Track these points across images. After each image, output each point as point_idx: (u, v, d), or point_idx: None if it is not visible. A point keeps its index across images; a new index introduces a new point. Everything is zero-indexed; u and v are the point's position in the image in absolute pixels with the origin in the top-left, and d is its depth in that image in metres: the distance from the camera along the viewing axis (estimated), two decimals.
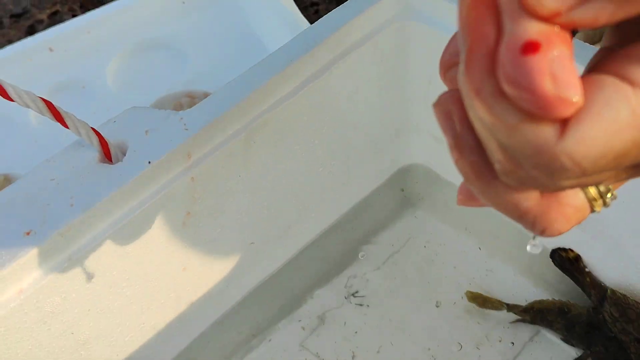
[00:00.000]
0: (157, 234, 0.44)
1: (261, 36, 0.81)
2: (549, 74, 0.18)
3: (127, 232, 0.42)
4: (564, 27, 0.19)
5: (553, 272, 0.54)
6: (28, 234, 0.39)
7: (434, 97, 0.55)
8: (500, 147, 0.21)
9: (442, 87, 0.55)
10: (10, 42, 0.93)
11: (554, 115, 0.19)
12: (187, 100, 0.76)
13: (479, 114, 0.21)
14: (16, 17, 0.96)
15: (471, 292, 0.54)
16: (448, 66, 0.25)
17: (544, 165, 0.20)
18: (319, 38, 0.47)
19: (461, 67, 0.21)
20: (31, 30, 0.94)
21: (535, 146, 0.20)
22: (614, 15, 0.19)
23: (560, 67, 0.19)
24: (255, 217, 0.50)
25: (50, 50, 0.79)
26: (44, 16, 0.95)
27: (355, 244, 0.58)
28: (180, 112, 0.44)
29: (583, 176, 0.20)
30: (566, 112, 0.19)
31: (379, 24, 0.50)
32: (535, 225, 0.24)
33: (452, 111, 0.24)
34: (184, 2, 0.83)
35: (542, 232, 0.24)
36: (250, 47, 0.80)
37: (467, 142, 0.23)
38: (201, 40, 0.81)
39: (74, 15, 0.95)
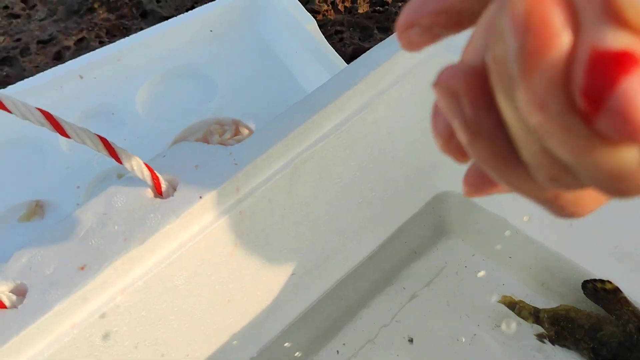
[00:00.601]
0: (206, 267, 0.45)
1: (288, 63, 0.82)
2: None
3: (177, 266, 0.43)
4: None
5: (586, 299, 0.55)
6: (82, 268, 0.40)
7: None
8: (548, 156, 0.18)
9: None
10: (37, 67, 0.94)
11: None
12: (217, 128, 0.77)
13: (536, 126, 0.17)
14: (43, 43, 0.97)
15: (504, 296, 0.55)
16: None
17: (616, 188, 0.17)
18: (361, 74, 0.48)
19: (512, 68, 0.17)
20: (58, 56, 0.95)
21: (611, 170, 0.17)
22: None
23: None
24: (297, 248, 0.51)
25: (80, 77, 0.80)
26: (70, 42, 0.96)
27: (391, 272, 0.58)
28: (229, 147, 0.45)
29: None
30: None
31: (419, 60, 0.51)
32: (564, 210, 0.21)
33: (459, 91, 0.20)
34: (211, 31, 0.84)
35: (571, 216, 0.21)
36: (278, 75, 0.81)
37: (483, 125, 0.19)
38: (229, 68, 0.82)
39: (101, 42, 0.96)
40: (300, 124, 0.45)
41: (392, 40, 0.51)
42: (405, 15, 0.22)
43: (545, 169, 0.18)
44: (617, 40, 0.15)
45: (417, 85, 0.51)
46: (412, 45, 0.23)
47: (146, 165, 0.43)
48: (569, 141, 0.17)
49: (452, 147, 0.22)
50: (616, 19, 0.15)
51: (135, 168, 0.42)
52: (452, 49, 0.50)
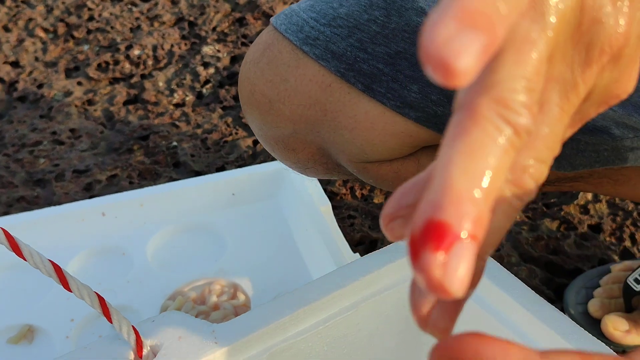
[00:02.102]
0: None
1: (297, 239, 0.86)
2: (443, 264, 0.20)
3: None
4: None
5: None
6: None
7: None
8: None
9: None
10: (67, 194, 1.00)
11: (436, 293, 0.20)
12: (216, 288, 0.80)
13: None
14: (78, 172, 1.04)
15: None
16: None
17: None
18: (355, 277, 0.52)
19: None
20: (88, 187, 1.02)
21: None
22: None
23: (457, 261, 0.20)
24: None
25: (103, 214, 0.85)
26: (103, 177, 1.03)
27: None
28: (214, 324, 0.47)
29: None
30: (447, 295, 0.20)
31: (408, 273, 0.54)
32: None
33: None
34: (233, 194, 0.90)
35: None
36: (285, 248, 0.85)
37: None
38: (242, 232, 0.87)
39: (131, 182, 1.02)
40: (284, 316, 0.48)
41: (388, 250, 0.55)
42: (387, 209, 0.25)
43: None
44: (437, 213, 0.20)
45: (400, 298, 0.54)
46: (397, 236, 0.26)
47: (134, 328, 0.45)
48: None
49: (430, 326, 0.26)
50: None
51: (123, 330, 0.45)
52: None
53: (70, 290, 0.43)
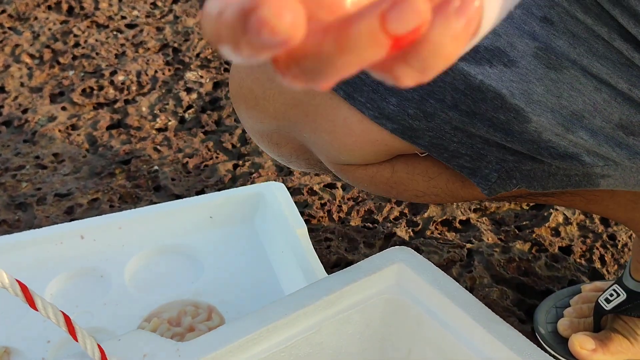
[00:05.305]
0: None
1: (272, 261, 0.88)
2: None
3: None
4: None
5: None
6: None
7: None
8: None
9: (420, 357, 0.59)
10: (47, 217, 1.02)
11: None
12: (191, 310, 0.81)
13: None
14: (60, 196, 1.05)
15: None
16: None
17: None
18: (318, 297, 0.53)
19: None
20: (69, 211, 1.03)
21: None
22: None
23: None
24: None
25: (81, 237, 0.86)
26: (84, 201, 1.04)
27: None
28: (179, 342, 0.49)
29: None
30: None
31: (371, 293, 0.56)
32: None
33: None
34: (211, 217, 0.91)
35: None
36: (261, 270, 0.87)
37: None
38: (219, 254, 0.88)
39: (112, 206, 1.04)
40: (247, 335, 0.50)
41: (352, 269, 0.56)
42: None
43: None
44: None
45: (364, 315, 0.56)
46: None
47: (99, 346, 0.47)
48: None
49: None
50: None
51: (88, 348, 0.46)
52: (399, 291, 0.56)
53: (36, 309, 0.45)
